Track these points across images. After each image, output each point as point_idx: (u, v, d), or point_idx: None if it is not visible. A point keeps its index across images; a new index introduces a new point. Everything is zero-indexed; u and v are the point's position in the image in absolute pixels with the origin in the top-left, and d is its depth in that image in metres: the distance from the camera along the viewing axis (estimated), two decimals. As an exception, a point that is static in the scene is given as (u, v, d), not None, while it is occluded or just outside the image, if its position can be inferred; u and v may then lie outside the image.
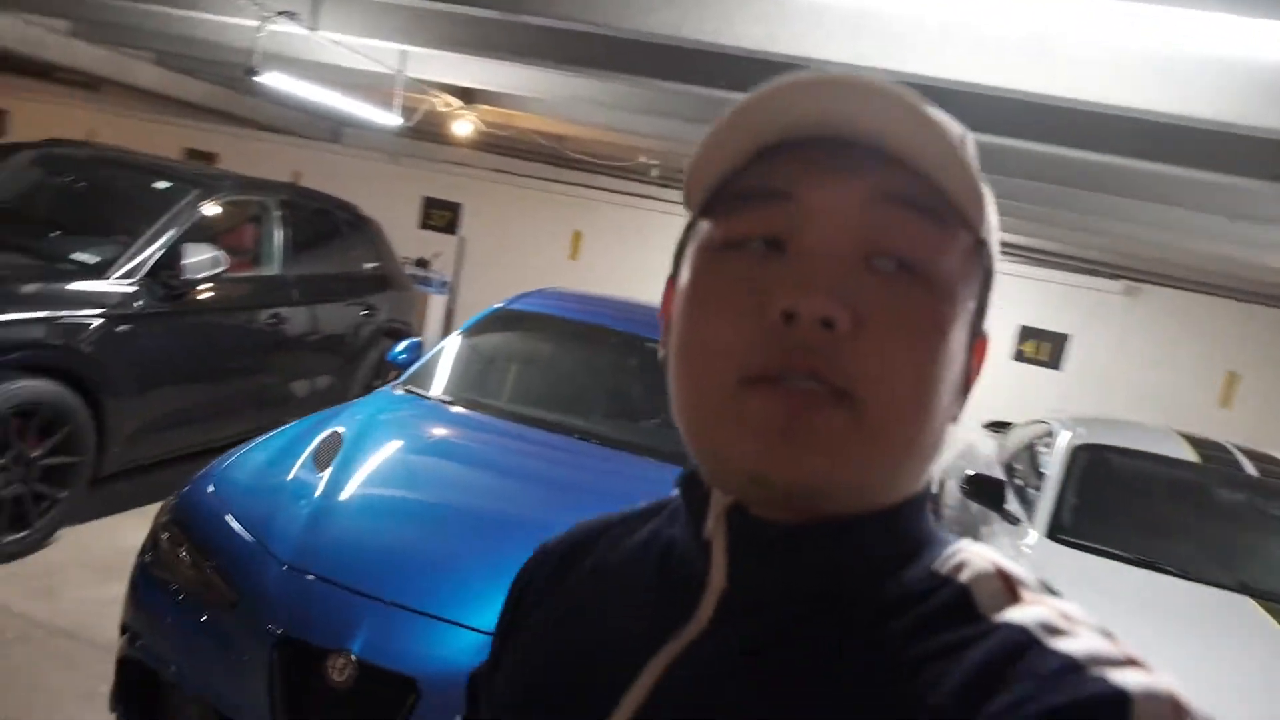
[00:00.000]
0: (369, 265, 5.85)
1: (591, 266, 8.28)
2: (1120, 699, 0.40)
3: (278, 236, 4.88)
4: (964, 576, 0.49)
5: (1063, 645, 0.43)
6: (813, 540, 0.50)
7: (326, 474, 2.60)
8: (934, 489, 5.07)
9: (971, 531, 3.83)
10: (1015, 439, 4.70)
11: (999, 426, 5.31)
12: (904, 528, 0.52)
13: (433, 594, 2.16)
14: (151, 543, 2.43)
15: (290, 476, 2.58)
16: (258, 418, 4.44)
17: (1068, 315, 7.89)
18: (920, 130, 0.47)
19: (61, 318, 3.50)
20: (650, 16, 2.71)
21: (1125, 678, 0.41)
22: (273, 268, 4.86)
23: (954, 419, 0.53)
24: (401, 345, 3.87)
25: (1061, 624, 0.45)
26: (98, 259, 3.84)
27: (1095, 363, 7.83)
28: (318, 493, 2.50)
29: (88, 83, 8.96)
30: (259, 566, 2.25)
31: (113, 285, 3.77)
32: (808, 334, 0.46)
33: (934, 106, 0.48)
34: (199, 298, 4.17)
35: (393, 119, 5.44)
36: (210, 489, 2.51)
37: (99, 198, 4.54)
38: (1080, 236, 6.60)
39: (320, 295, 5.19)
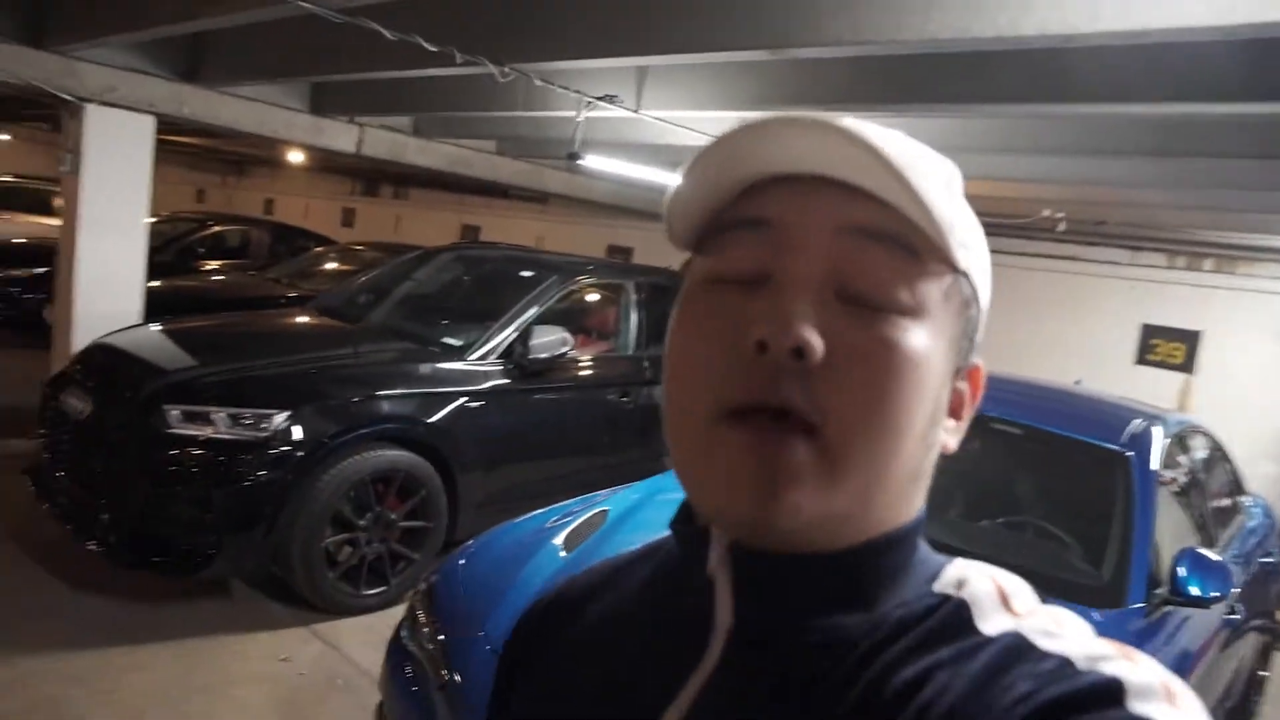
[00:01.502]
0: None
1: (993, 339, 7.27)
2: (1115, 685, 0.43)
3: (634, 318, 5.03)
4: (963, 593, 0.52)
5: (1057, 646, 0.47)
6: (813, 571, 0.52)
7: (568, 556, 2.44)
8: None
9: None
10: None
11: None
12: (900, 554, 0.54)
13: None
14: (410, 613, 2.47)
15: (535, 556, 2.47)
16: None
17: None
18: (874, 167, 0.48)
19: (422, 395, 3.91)
20: (930, 22, 2.21)
21: (1118, 668, 0.44)
22: (627, 348, 5.00)
23: (943, 446, 0.55)
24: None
25: (1054, 628, 0.49)
26: (461, 342, 4.26)
27: None
28: (551, 576, 2.34)
29: (536, 197, 10.50)
30: (470, 649, 2.14)
31: (469, 365, 4.14)
32: (780, 364, 0.47)
33: (897, 140, 0.50)
34: (548, 376, 4.41)
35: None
36: (462, 563, 2.50)
37: (483, 287, 5.11)
38: None
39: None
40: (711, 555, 0.54)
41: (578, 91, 3.84)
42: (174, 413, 3.42)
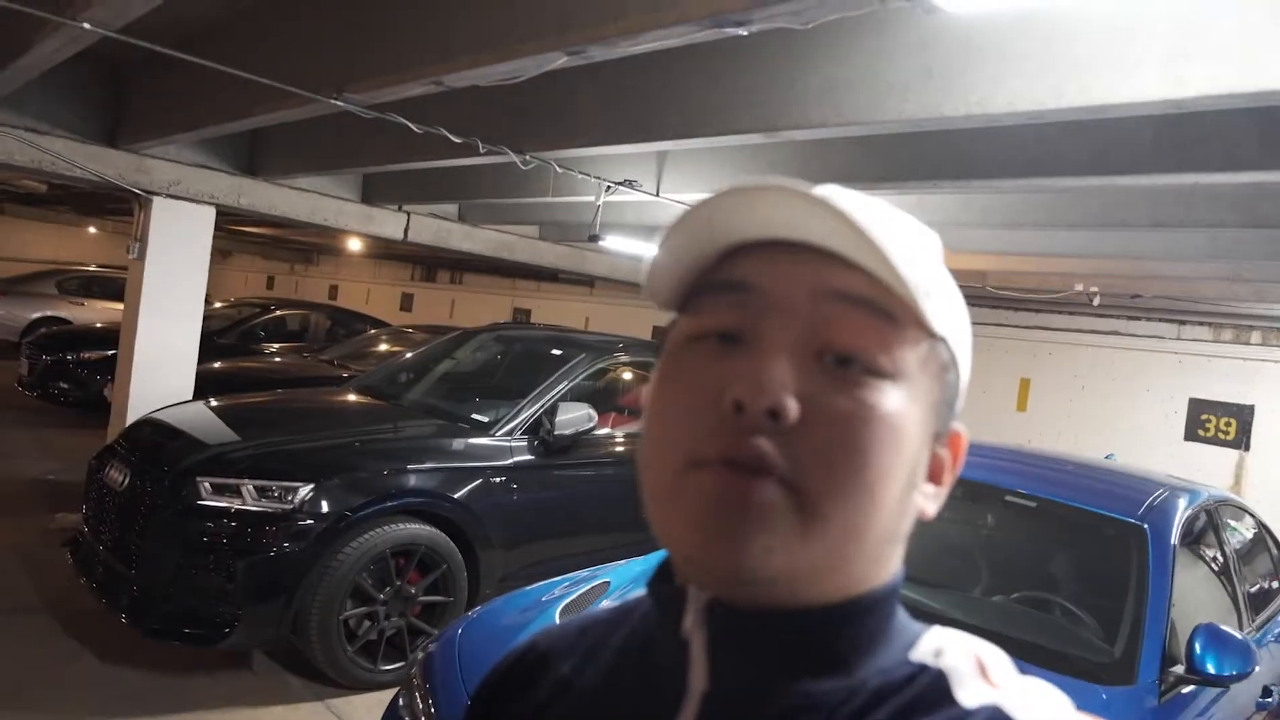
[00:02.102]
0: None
1: (1039, 417, 7.13)
2: None
3: (664, 394, 5.07)
4: (940, 662, 0.52)
5: None
6: (790, 630, 0.52)
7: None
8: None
9: None
10: None
11: None
12: (877, 617, 0.54)
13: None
14: (407, 682, 2.50)
15: (532, 625, 2.49)
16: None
17: None
18: (847, 232, 0.49)
19: (445, 470, 4.00)
20: (906, 103, 2.29)
21: None
22: (656, 423, 5.04)
23: (921, 512, 0.55)
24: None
25: (1033, 702, 0.49)
26: (489, 418, 4.36)
27: None
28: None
29: (584, 280, 10.76)
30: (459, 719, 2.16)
31: (494, 441, 4.22)
32: (756, 424, 0.48)
33: (873, 208, 0.52)
34: (573, 452, 4.46)
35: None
36: (460, 632, 2.53)
37: (516, 365, 5.24)
38: None
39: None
40: (688, 615, 0.54)
41: (598, 177, 4.02)
42: (205, 485, 3.57)
